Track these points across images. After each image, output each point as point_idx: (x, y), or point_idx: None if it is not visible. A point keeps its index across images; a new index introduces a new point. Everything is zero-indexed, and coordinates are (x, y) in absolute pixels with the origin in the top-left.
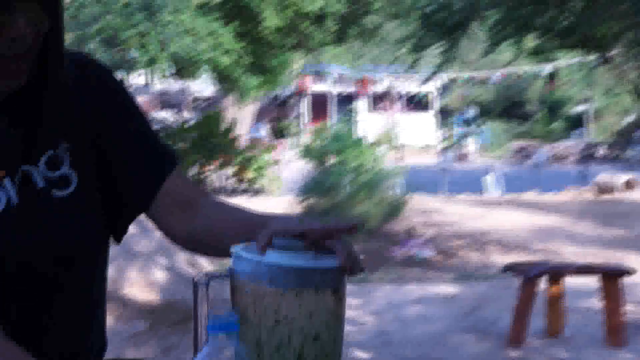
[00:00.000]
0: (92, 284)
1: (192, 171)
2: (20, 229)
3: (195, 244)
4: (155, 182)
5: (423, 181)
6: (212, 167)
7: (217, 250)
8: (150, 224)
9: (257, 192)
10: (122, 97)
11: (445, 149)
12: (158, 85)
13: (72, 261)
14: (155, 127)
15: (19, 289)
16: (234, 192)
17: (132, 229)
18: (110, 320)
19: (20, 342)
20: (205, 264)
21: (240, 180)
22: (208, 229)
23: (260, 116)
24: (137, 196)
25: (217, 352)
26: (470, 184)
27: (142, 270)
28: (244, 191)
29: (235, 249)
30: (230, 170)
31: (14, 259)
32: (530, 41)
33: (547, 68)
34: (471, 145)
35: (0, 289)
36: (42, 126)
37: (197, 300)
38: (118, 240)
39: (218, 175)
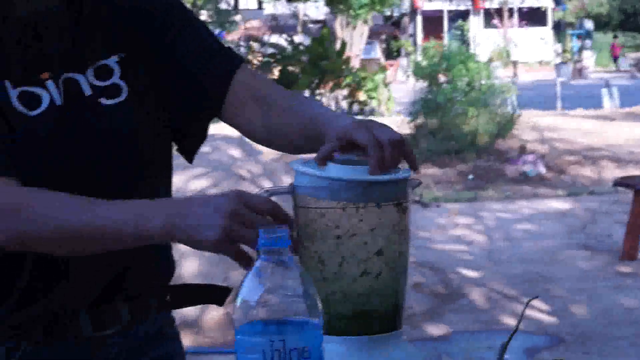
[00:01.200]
0: (152, 193)
1: (306, 94)
2: (64, 129)
3: (270, 142)
4: (226, 75)
5: (537, 97)
6: (324, 89)
7: (291, 149)
8: (254, 146)
9: (369, 113)
10: (178, 6)
11: (560, 64)
12: (269, 9)
13: (123, 168)
14: (267, 51)
15: (70, 186)
16: (347, 113)
17: (235, 152)
18: None
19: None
20: None
21: (353, 102)
22: (280, 127)
23: (372, 37)
24: (210, 93)
25: (268, 267)
26: (585, 99)
27: None
28: (357, 113)
29: (296, 164)
30: (342, 92)
31: (60, 159)
32: None
33: None
34: (587, 59)
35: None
36: (94, 35)
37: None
38: (190, 159)
39: (330, 98)
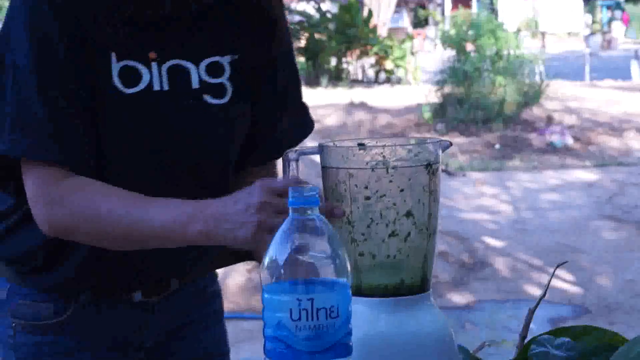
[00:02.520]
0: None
1: (332, 62)
2: (158, 115)
3: None
4: (286, 145)
5: (565, 68)
6: (351, 58)
7: None
8: None
9: (396, 81)
10: (286, 34)
11: (589, 35)
12: None
13: (207, 170)
14: (295, 18)
15: (161, 166)
16: (373, 82)
17: None
18: None
19: None
20: None
21: (379, 71)
22: None
23: (400, 5)
24: (270, 146)
25: (298, 226)
26: (614, 70)
27: None
28: (383, 81)
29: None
30: (369, 61)
31: (157, 139)
32: None
33: None
34: (617, 30)
35: (141, 166)
36: (215, 29)
37: (287, 175)
38: None
39: (357, 66)
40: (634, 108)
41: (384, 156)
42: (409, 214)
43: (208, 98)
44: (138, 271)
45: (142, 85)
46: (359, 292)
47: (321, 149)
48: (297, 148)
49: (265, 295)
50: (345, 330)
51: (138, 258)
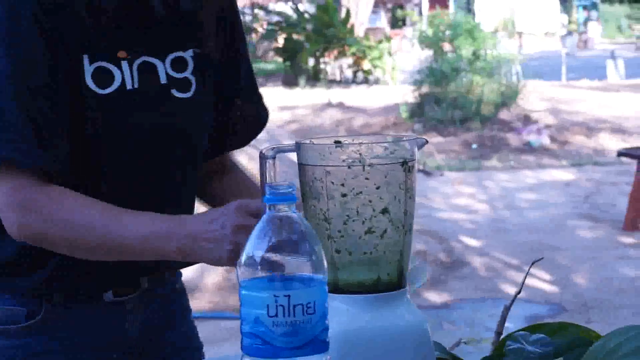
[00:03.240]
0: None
1: (310, 62)
2: (131, 113)
3: (207, 199)
4: (249, 137)
5: (542, 68)
6: (328, 58)
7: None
8: None
9: (374, 82)
10: (241, 29)
11: (566, 35)
12: None
13: (180, 162)
14: (273, 19)
15: (137, 163)
16: (351, 82)
17: None
18: None
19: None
20: None
21: (357, 71)
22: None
23: (378, 5)
24: (231, 142)
25: (275, 222)
26: (590, 70)
27: None
28: (361, 81)
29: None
30: (347, 61)
31: (132, 137)
32: None
33: None
34: (593, 31)
35: (120, 162)
36: (177, 25)
37: (264, 173)
38: None
39: (334, 66)
40: (610, 108)
41: (360, 154)
42: (385, 211)
43: (175, 92)
44: (110, 271)
45: (115, 85)
46: (335, 288)
47: (298, 147)
48: (274, 145)
49: (243, 292)
50: (322, 326)
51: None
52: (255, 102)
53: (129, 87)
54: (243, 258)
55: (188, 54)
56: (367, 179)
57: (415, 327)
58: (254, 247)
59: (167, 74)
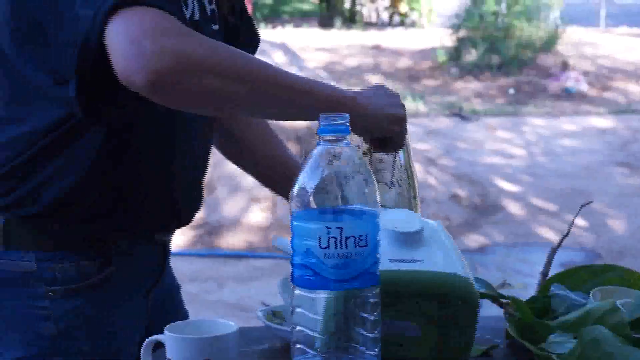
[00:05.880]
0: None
1: (346, 4)
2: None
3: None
4: None
5: (580, 14)
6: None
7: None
8: (297, 54)
9: (410, 24)
10: None
11: None
12: None
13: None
14: None
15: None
16: (387, 24)
17: (279, 57)
18: None
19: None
20: None
21: (393, 13)
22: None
23: None
24: None
25: (328, 154)
26: (630, 17)
27: None
28: (397, 24)
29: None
30: (383, 3)
31: None
32: None
33: None
34: None
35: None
36: None
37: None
38: None
39: (371, 9)
40: None
41: None
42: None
43: (213, 25)
44: (159, 210)
45: (187, 14)
46: None
47: None
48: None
49: (294, 223)
50: (373, 259)
51: (166, 191)
52: (245, 22)
53: (196, 17)
54: (295, 189)
55: None
56: None
57: None
58: (307, 178)
59: (202, 7)
